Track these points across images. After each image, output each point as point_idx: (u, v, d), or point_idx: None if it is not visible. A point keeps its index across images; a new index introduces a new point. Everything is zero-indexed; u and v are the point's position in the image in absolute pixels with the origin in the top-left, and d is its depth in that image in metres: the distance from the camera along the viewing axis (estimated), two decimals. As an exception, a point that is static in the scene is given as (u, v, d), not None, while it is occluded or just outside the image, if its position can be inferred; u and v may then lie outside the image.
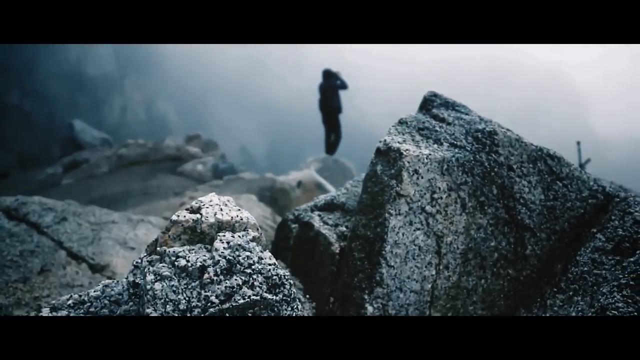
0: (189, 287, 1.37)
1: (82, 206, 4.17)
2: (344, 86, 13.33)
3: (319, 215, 2.49)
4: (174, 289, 1.36)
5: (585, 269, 1.81)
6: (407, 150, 1.61)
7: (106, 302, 1.56)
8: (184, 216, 1.52)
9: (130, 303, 1.53)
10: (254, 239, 1.50)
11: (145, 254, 1.55)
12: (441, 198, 1.86)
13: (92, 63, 45.21)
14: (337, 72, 13.46)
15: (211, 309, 1.33)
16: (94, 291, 1.60)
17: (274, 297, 1.40)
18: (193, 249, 1.45)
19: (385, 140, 1.74)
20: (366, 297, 1.88)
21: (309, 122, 15.54)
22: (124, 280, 1.59)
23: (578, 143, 5.55)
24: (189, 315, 1.32)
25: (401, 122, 1.89)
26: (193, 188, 9.21)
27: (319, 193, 7.76)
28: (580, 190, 1.80)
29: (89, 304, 1.55)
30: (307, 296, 2.26)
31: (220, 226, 1.51)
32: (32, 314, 1.67)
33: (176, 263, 1.40)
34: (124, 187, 12.00)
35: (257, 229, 1.58)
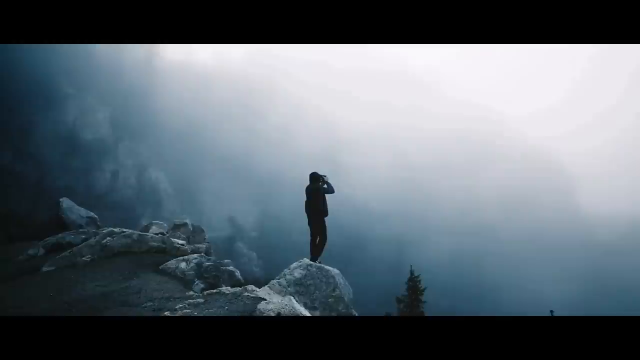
0: None
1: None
2: (330, 190, 13.65)
3: None
4: None
5: None
6: None
7: None
8: None
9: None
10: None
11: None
12: None
13: (87, 127, 46.04)
14: (324, 176, 13.84)
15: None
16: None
17: None
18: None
19: None
20: None
21: (298, 193, 15.76)
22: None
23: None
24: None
25: None
26: (172, 307, 9.12)
27: (298, 327, 7.73)
28: None
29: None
30: None
31: None
32: None
33: None
34: (104, 287, 11.82)
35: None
